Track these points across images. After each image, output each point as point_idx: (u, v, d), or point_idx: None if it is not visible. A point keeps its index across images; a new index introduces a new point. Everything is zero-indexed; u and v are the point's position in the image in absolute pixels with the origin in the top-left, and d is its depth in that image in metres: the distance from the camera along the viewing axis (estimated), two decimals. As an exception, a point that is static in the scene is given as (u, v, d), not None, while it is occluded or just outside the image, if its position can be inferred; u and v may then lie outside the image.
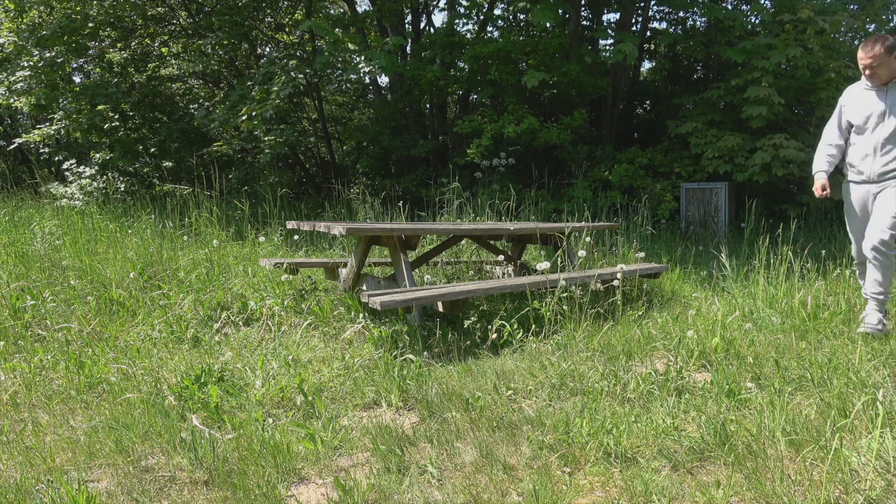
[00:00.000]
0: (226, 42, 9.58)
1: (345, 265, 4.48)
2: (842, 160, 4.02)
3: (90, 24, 9.02)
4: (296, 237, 6.39)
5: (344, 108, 13.72)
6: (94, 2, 9.34)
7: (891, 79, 3.67)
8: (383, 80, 11.87)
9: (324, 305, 3.99)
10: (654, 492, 2.07)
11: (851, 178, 3.90)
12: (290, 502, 2.10)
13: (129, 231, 5.71)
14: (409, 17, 10.77)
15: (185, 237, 5.61)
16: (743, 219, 7.59)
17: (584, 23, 10.51)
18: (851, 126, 3.87)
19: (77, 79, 10.70)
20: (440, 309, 3.82)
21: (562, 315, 3.83)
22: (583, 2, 10.00)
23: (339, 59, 8.72)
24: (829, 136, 4.01)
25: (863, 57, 3.64)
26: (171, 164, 10.26)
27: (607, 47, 10.72)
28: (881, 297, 3.77)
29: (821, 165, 4.01)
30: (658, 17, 11.01)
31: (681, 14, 10.71)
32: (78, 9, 9.14)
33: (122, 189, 9.81)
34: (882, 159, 3.74)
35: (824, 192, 3.97)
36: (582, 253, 4.39)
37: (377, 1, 9.89)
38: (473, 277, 5.28)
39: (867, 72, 3.66)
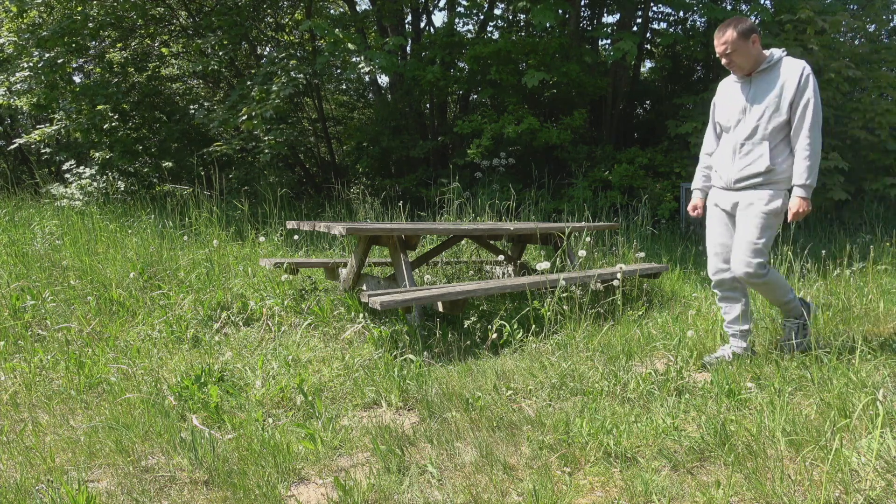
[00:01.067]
0: (226, 42, 9.58)
1: (345, 265, 4.48)
2: None
3: (90, 24, 9.01)
4: (296, 237, 6.39)
5: (344, 108, 13.71)
6: (94, 2, 9.33)
7: (755, 68, 3.17)
8: (383, 80, 11.88)
9: (324, 305, 3.99)
10: (654, 492, 2.08)
11: (715, 182, 3.43)
12: (290, 502, 2.10)
13: (129, 231, 5.71)
14: (409, 17, 10.76)
15: (185, 237, 5.61)
16: (743, 219, 7.57)
17: (584, 23, 10.51)
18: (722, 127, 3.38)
19: (77, 79, 10.69)
20: (440, 309, 3.82)
21: (562, 315, 3.83)
22: (583, 2, 10.00)
23: (339, 59, 8.72)
24: (705, 143, 3.56)
25: (716, 44, 3.16)
26: (171, 164, 10.25)
27: (607, 47, 10.73)
28: (794, 317, 3.43)
29: (695, 182, 3.61)
30: (658, 18, 11.02)
31: (681, 14, 10.71)
32: (78, 9, 9.13)
33: (122, 189, 9.81)
34: (739, 163, 3.22)
35: (695, 213, 3.56)
36: (582, 253, 4.39)
37: (377, 1, 9.88)
38: (473, 277, 5.28)
39: (724, 60, 3.17)
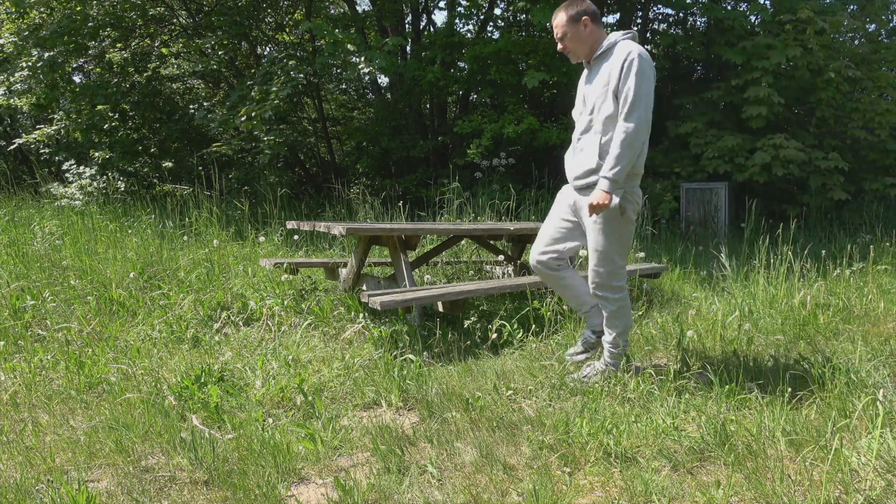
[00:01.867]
0: (226, 42, 9.58)
1: (345, 265, 4.48)
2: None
3: (90, 24, 9.01)
4: (296, 237, 6.39)
5: (344, 108, 13.71)
6: (94, 2, 9.33)
7: (591, 54, 2.90)
8: (383, 80, 11.88)
9: (324, 305, 3.99)
10: (654, 492, 2.07)
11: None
12: (290, 502, 2.10)
13: (129, 231, 5.71)
14: (409, 17, 10.77)
15: (185, 237, 5.61)
16: (743, 219, 7.60)
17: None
18: None
19: (77, 79, 10.70)
20: (440, 309, 3.82)
21: (562, 315, 3.83)
22: (583, 2, 9.99)
23: (339, 59, 8.72)
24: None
25: (553, 28, 2.94)
26: (171, 164, 10.25)
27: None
28: (611, 348, 3.05)
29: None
30: (658, 18, 11.03)
31: (681, 14, 10.72)
32: (78, 9, 9.13)
33: (122, 189, 9.81)
34: (576, 160, 2.98)
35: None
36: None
37: (377, 1, 9.89)
38: (473, 277, 5.28)
39: (559, 46, 2.94)
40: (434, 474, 2.23)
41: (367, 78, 11.33)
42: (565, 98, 9.70)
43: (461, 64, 9.67)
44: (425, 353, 3.47)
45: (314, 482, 2.22)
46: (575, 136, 3.01)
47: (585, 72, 3.00)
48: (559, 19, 2.89)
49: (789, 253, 4.78)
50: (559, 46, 2.94)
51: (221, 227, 5.76)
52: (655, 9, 10.62)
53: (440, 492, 2.12)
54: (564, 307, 3.87)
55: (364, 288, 4.00)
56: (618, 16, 10.47)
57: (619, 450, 2.32)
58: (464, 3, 10.15)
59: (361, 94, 13.42)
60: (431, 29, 10.84)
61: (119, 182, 9.87)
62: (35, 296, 4.04)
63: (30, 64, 8.57)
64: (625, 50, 2.77)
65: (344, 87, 13.27)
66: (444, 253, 5.42)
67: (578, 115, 3.02)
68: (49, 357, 3.27)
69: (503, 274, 5.19)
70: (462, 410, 2.71)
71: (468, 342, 3.74)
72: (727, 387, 2.82)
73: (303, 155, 12.17)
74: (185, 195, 6.93)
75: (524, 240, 5.20)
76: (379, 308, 3.32)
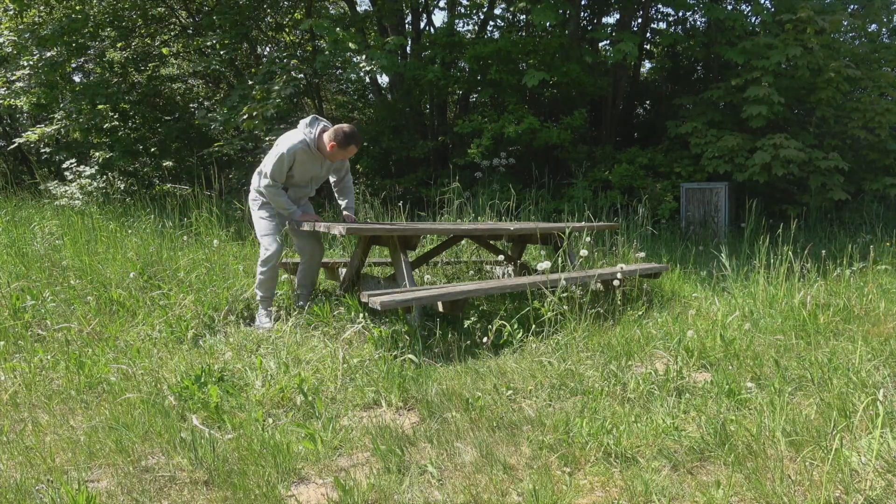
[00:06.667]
0: (226, 42, 9.57)
1: (345, 265, 4.48)
2: None
3: (90, 24, 9.01)
4: (296, 237, 6.38)
5: (344, 109, 13.70)
6: (95, 1, 9.33)
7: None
8: (383, 80, 11.88)
9: (324, 305, 3.99)
10: (654, 492, 2.08)
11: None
12: (290, 502, 2.10)
13: (129, 231, 5.71)
14: (409, 17, 10.76)
15: (185, 237, 5.61)
16: (743, 219, 7.59)
17: (584, 22, 10.51)
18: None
19: (77, 78, 10.69)
20: (440, 309, 3.82)
21: (562, 315, 3.83)
22: (583, 2, 10.00)
23: (340, 58, 8.71)
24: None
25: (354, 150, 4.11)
26: (171, 164, 10.24)
27: (607, 47, 10.74)
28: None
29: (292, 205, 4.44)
30: (658, 18, 11.02)
31: (681, 14, 10.71)
32: (78, 8, 9.13)
33: (122, 189, 9.80)
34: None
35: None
36: (583, 253, 4.39)
37: (377, 1, 9.88)
38: (473, 277, 5.28)
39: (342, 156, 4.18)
40: (434, 474, 2.23)
41: (367, 78, 11.33)
42: (565, 98, 9.70)
43: (461, 64, 9.67)
44: (425, 353, 3.47)
45: (314, 482, 2.22)
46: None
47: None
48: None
49: (789, 253, 4.77)
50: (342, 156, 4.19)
51: (221, 227, 5.76)
52: (655, 8, 10.61)
53: (440, 492, 2.12)
54: (565, 307, 3.87)
55: (364, 288, 4.00)
56: (618, 16, 10.47)
57: (619, 450, 2.32)
58: (464, 2, 10.14)
59: (361, 94, 13.42)
60: (431, 29, 10.84)
61: (119, 182, 9.85)
62: (35, 296, 4.04)
63: (30, 63, 8.56)
64: None
65: (344, 87, 13.26)
66: (444, 253, 5.42)
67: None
68: (49, 357, 3.27)
69: (503, 274, 5.19)
70: (462, 410, 2.71)
71: (468, 342, 3.74)
72: (727, 387, 2.82)
73: (303, 155, 12.11)
74: (185, 195, 6.92)
75: (524, 240, 5.20)
76: (379, 308, 3.32)
